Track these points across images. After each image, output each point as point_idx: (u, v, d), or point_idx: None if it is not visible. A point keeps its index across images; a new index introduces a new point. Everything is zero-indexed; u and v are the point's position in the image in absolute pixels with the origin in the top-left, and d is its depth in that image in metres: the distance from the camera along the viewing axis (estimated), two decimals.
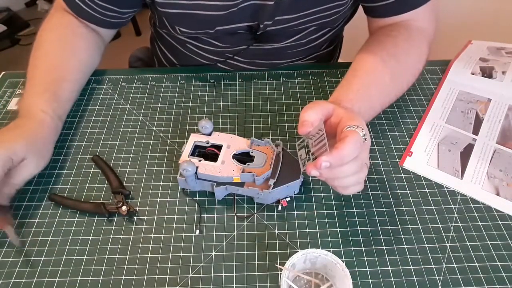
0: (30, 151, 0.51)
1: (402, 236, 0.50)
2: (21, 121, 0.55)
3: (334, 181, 0.44)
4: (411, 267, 0.47)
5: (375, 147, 0.59)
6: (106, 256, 0.49)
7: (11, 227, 0.49)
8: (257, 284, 0.46)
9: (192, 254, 0.49)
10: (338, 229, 0.50)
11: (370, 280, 0.46)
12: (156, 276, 0.47)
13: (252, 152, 0.53)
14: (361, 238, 0.50)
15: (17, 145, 0.50)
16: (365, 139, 0.43)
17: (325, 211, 0.52)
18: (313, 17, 0.64)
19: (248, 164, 0.52)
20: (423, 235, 0.50)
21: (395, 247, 0.49)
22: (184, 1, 0.60)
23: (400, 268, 0.47)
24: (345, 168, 0.42)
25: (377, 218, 0.51)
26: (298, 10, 0.62)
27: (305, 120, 0.44)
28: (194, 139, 0.55)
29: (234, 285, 0.46)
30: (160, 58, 0.84)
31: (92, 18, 0.66)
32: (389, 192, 0.54)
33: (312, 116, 0.44)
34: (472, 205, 0.52)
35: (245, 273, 0.47)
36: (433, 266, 0.47)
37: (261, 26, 0.64)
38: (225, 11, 0.60)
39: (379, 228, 0.50)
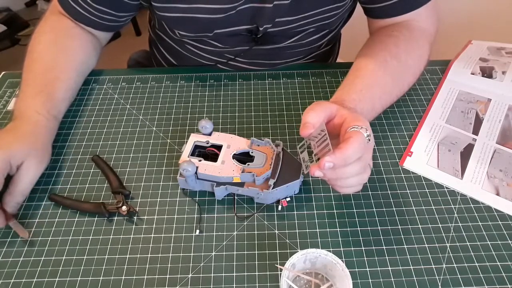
0: (28, 153, 0.51)
1: (402, 236, 0.50)
2: (16, 124, 0.55)
3: (337, 181, 0.44)
4: (411, 267, 0.47)
5: (375, 147, 0.59)
6: (106, 256, 0.49)
7: (16, 221, 0.50)
8: (257, 284, 0.46)
9: (192, 254, 0.49)
10: (338, 229, 0.50)
11: (370, 280, 0.46)
12: (156, 276, 0.47)
13: (252, 152, 0.53)
14: (361, 238, 0.49)
15: (15, 149, 0.51)
16: (369, 140, 0.43)
17: (325, 211, 0.52)
18: (312, 19, 0.64)
19: (248, 164, 0.52)
20: (423, 235, 0.50)
21: (395, 247, 0.49)
22: (181, 5, 0.60)
23: (400, 268, 0.47)
24: (348, 168, 0.42)
25: (377, 218, 0.51)
26: (298, 12, 0.62)
27: (307, 122, 0.44)
28: (194, 139, 0.55)
29: (234, 285, 0.46)
30: (159, 60, 0.84)
31: (89, 21, 0.66)
32: (389, 192, 0.54)
33: (314, 118, 0.44)
34: (472, 205, 0.52)
35: (245, 273, 0.47)
36: (433, 266, 0.47)
37: (261, 29, 0.64)
38: (223, 14, 0.60)
39: (379, 228, 0.50)
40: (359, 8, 0.69)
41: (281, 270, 0.43)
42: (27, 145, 0.52)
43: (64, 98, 0.62)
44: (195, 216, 0.52)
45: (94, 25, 0.67)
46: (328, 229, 0.50)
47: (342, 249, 0.49)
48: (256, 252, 0.49)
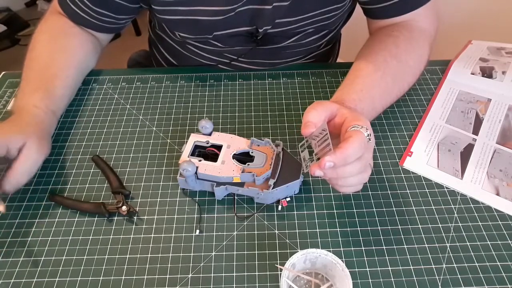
0: (28, 138, 0.51)
1: (402, 236, 0.50)
2: (15, 117, 0.55)
3: (338, 180, 0.44)
4: (411, 267, 0.47)
5: (375, 147, 0.59)
6: (106, 256, 0.49)
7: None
8: (257, 284, 0.46)
9: (192, 254, 0.49)
10: (338, 229, 0.50)
11: (370, 280, 0.46)
12: (156, 276, 0.47)
13: (252, 152, 0.53)
14: (361, 238, 0.49)
15: (13, 133, 0.51)
16: (370, 139, 0.43)
17: (325, 211, 0.52)
18: (312, 20, 0.64)
19: (248, 164, 0.52)
20: (423, 235, 0.50)
21: (395, 247, 0.49)
22: (181, 8, 0.60)
23: (400, 268, 0.47)
24: (348, 168, 0.42)
25: (377, 218, 0.51)
26: (297, 13, 0.62)
27: (308, 121, 0.44)
28: (194, 139, 0.55)
29: (234, 285, 0.46)
30: (159, 60, 0.84)
31: (89, 23, 0.66)
32: (389, 192, 0.54)
33: (315, 117, 0.44)
34: (472, 205, 0.52)
35: (245, 273, 0.47)
36: (433, 266, 0.47)
37: (260, 30, 0.64)
38: (222, 16, 0.60)
39: (379, 228, 0.50)
40: (359, 8, 0.69)
41: (281, 270, 0.43)
42: (26, 132, 0.52)
43: (63, 95, 0.62)
44: (195, 216, 0.52)
45: (94, 27, 0.67)
46: (328, 229, 0.50)
47: (342, 249, 0.49)
48: (256, 252, 0.49)
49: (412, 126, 0.62)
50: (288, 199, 0.53)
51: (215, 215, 0.52)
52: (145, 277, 0.47)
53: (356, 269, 0.47)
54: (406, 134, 0.61)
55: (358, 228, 0.50)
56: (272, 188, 0.50)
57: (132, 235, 0.50)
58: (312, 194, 0.54)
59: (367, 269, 0.47)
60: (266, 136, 0.61)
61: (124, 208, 0.51)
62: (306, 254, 0.42)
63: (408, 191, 0.54)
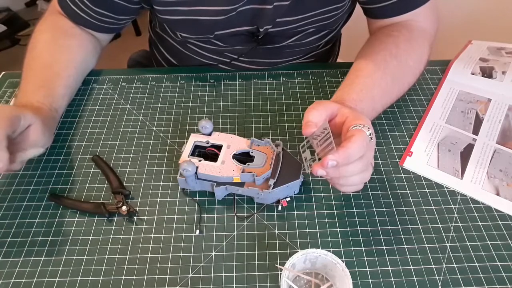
0: (36, 120, 0.51)
1: (402, 236, 0.50)
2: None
3: (339, 179, 0.44)
4: (411, 267, 0.47)
5: (375, 147, 0.59)
6: (106, 256, 0.49)
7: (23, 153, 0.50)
8: (257, 284, 0.46)
9: (192, 254, 0.49)
10: (338, 229, 0.50)
11: (370, 280, 0.46)
12: (156, 276, 0.47)
13: (252, 152, 0.53)
14: (361, 238, 0.49)
15: (27, 110, 0.50)
16: (371, 138, 0.43)
17: (325, 211, 0.52)
18: (312, 20, 0.64)
19: (248, 164, 0.52)
20: (423, 235, 0.50)
21: (395, 247, 0.49)
22: (183, 8, 0.60)
23: (400, 268, 0.47)
24: (350, 167, 0.42)
25: (377, 218, 0.51)
26: (298, 13, 0.62)
27: (309, 121, 0.44)
28: (194, 139, 0.55)
29: (234, 285, 0.46)
30: (159, 60, 0.84)
31: (89, 23, 0.66)
32: (389, 192, 0.54)
33: (316, 117, 0.44)
34: (472, 205, 0.52)
35: (245, 273, 0.47)
36: (433, 266, 0.47)
37: (261, 30, 0.64)
38: (224, 15, 0.60)
39: (379, 228, 0.50)
40: (359, 8, 0.69)
41: (281, 270, 0.43)
42: (34, 114, 0.52)
43: (64, 94, 0.62)
44: (195, 216, 0.52)
45: (93, 28, 0.67)
46: (328, 229, 0.50)
47: (342, 249, 0.49)
48: (256, 252, 0.49)
49: (412, 126, 0.62)
50: (288, 199, 0.53)
51: (215, 215, 0.52)
52: (145, 277, 0.47)
53: (356, 269, 0.47)
54: (406, 134, 0.61)
55: (358, 228, 0.50)
56: (272, 188, 0.50)
57: (132, 235, 0.50)
58: (312, 194, 0.54)
59: (367, 269, 0.47)
60: (266, 136, 0.61)
61: (124, 208, 0.51)
62: (306, 254, 0.42)
63: (408, 191, 0.54)
